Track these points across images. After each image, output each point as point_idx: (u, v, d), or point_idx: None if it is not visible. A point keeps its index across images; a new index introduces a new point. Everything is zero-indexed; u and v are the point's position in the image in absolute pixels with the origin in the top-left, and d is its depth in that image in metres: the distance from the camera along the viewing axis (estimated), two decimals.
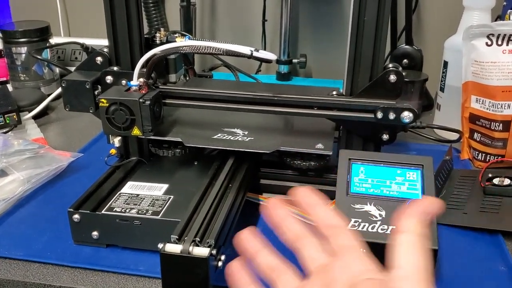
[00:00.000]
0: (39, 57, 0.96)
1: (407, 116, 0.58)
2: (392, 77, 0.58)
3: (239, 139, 0.63)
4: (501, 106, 0.72)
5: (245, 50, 0.55)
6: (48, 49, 1.02)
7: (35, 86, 1.02)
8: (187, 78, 0.79)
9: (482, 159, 0.77)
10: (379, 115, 0.58)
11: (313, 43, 1.13)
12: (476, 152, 0.78)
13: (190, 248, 0.46)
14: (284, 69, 1.07)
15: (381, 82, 0.59)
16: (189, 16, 0.99)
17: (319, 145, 0.61)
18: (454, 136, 0.82)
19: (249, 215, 0.65)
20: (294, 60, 1.07)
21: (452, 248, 0.60)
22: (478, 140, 0.77)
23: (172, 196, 0.60)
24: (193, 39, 0.64)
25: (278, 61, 1.07)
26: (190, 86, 0.74)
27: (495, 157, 0.76)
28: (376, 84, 0.59)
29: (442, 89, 0.87)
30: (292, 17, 1.04)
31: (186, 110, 0.69)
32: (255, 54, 0.56)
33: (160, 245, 0.47)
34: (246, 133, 0.64)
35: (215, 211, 0.53)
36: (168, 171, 0.66)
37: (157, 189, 0.61)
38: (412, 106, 0.57)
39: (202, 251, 0.46)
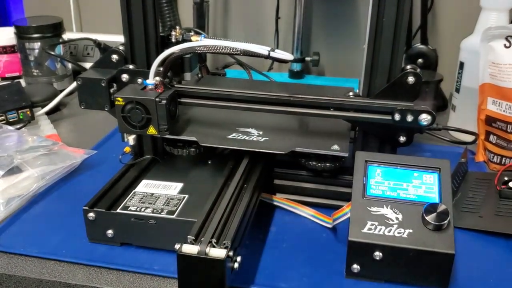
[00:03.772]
0: (52, 53, 0.97)
1: (425, 118, 0.57)
2: (411, 79, 0.58)
3: (254, 139, 0.63)
4: None
5: (262, 50, 0.55)
6: (61, 45, 1.02)
7: (48, 82, 1.03)
8: (199, 75, 0.79)
9: (498, 161, 0.76)
10: (397, 117, 0.58)
11: (326, 41, 1.12)
12: (492, 155, 0.77)
13: (207, 249, 0.46)
14: (296, 67, 1.07)
15: (399, 83, 0.58)
16: (202, 13, 0.99)
17: (335, 147, 0.61)
18: (469, 138, 0.81)
19: (263, 215, 0.65)
20: (307, 58, 1.06)
21: (467, 252, 0.59)
22: (493, 142, 0.76)
23: (187, 195, 0.60)
24: (208, 38, 0.64)
25: None
26: (204, 85, 0.74)
27: (511, 159, 0.75)
28: (394, 86, 0.58)
29: (457, 90, 0.86)
30: (305, 15, 1.03)
31: (200, 109, 0.68)
32: (272, 54, 0.55)
33: (177, 246, 0.46)
34: (261, 133, 0.64)
35: (231, 211, 0.53)
36: (182, 170, 0.66)
37: (171, 188, 0.61)
38: (430, 108, 0.57)
39: (219, 253, 0.46)
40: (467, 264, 0.57)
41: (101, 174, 0.72)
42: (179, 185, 0.62)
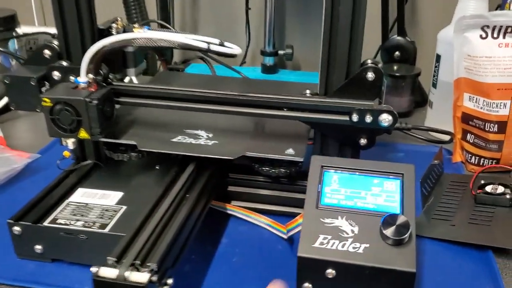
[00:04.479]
0: (1, 49, 0.90)
1: (385, 119, 0.51)
2: (370, 75, 0.52)
3: (202, 142, 0.57)
4: (496, 106, 0.66)
5: (201, 43, 0.48)
6: (15, 40, 0.95)
7: (1, 80, 0.96)
8: (160, 71, 0.73)
9: (476, 162, 0.70)
10: (355, 117, 0.52)
11: (301, 33, 1.06)
12: (469, 155, 0.71)
13: (127, 274, 0.40)
14: (269, 61, 1.00)
15: (358, 80, 0.52)
16: (165, 5, 0.92)
17: (289, 151, 0.55)
18: (447, 136, 0.76)
19: (216, 225, 0.59)
20: (280, 52, 1.00)
21: (436, 265, 0.53)
22: (471, 142, 0.71)
23: (125, 207, 0.54)
24: (153, 30, 0.57)
25: (263, 53, 1.00)
26: (155, 82, 0.68)
27: (490, 161, 0.69)
28: (352, 83, 0.52)
29: (434, 85, 0.80)
30: (277, 6, 0.97)
31: (147, 109, 0.62)
32: (214, 48, 0.49)
33: (93, 269, 0.41)
34: (210, 135, 0.58)
35: (165, 226, 0.47)
36: (125, 177, 0.60)
37: (110, 198, 0.55)
38: (391, 109, 0.51)
39: (140, 277, 0.40)
40: (435, 279, 0.51)
41: (46, 180, 0.66)
42: (119, 195, 0.56)
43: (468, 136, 0.71)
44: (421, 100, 0.92)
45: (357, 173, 0.52)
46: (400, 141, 0.80)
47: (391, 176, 0.51)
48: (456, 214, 0.60)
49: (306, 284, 0.47)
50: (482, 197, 0.61)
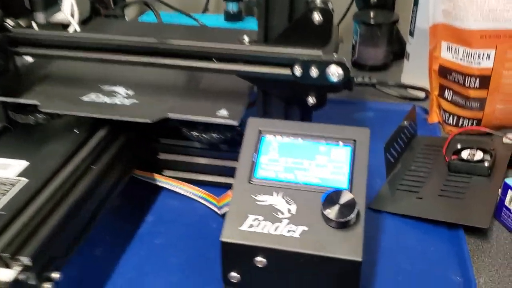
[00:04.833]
0: None
1: (334, 73, 0.42)
2: (317, 17, 0.41)
3: (117, 102, 0.47)
4: (479, 56, 0.56)
5: None
6: None
7: None
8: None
9: (454, 123, 0.61)
10: (297, 71, 0.42)
11: None
12: (447, 115, 0.62)
13: None
14: (233, 7, 0.89)
15: (302, 24, 0.42)
16: None
17: (222, 112, 0.46)
18: (422, 93, 0.66)
19: (142, 199, 0.50)
20: None
21: (397, 247, 0.45)
22: (449, 99, 0.61)
23: (26, 180, 0.45)
24: None
25: None
26: (83, 31, 0.58)
27: (470, 121, 0.60)
28: (296, 27, 0.42)
29: (411, 33, 0.70)
30: None
31: (64, 63, 0.53)
32: None
33: None
34: (130, 93, 0.49)
35: (54, 206, 0.38)
36: (36, 142, 0.50)
37: (10, 168, 0.46)
38: (342, 60, 0.41)
39: (5, 275, 0.32)
40: (394, 264, 0.43)
41: None
42: (23, 164, 0.47)
43: (446, 92, 0.61)
44: (399, 51, 0.82)
45: (301, 139, 0.42)
46: (370, 98, 0.70)
47: (340, 143, 0.42)
48: (425, 185, 0.51)
49: (233, 274, 0.39)
50: (456, 164, 0.52)
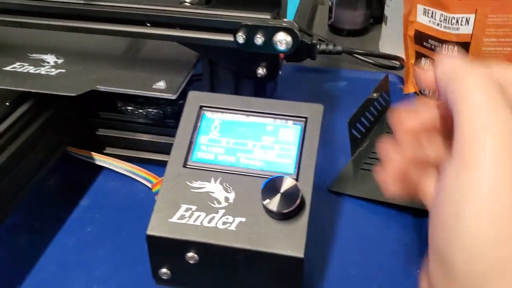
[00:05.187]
0: None
1: (282, 40, 0.36)
2: None
3: (43, 72, 0.41)
4: (457, 21, 0.50)
5: None
6: None
7: None
8: None
9: (431, 94, 0.56)
10: (240, 38, 0.37)
11: None
12: None
13: None
14: None
15: None
16: None
17: (160, 84, 0.40)
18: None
19: (80, 181, 0.46)
20: None
21: (353, 237, 0.41)
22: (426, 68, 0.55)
23: None
24: None
25: None
26: None
27: None
28: None
29: None
30: None
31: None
32: None
33: None
34: (59, 62, 0.43)
35: None
36: None
37: None
38: (291, 26, 0.35)
39: None
40: (346, 259, 0.39)
41: None
42: None
43: (423, 60, 0.56)
44: (380, 15, 0.75)
45: (246, 117, 0.37)
46: (345, 67, 0.64)
47: (290, 122, 0.37)
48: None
49: (164, 270, 0.35)
50: None
